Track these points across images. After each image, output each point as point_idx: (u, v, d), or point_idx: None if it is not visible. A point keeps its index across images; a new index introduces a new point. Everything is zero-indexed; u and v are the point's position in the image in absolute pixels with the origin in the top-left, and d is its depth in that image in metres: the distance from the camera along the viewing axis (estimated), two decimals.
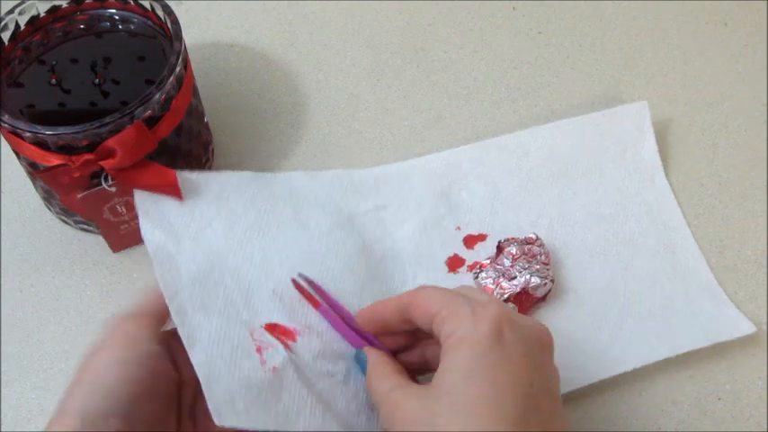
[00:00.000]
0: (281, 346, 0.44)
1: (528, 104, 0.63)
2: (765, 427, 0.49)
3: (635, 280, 0.53)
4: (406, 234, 0.55)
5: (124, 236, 0.54)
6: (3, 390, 0.50)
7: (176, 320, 0.42)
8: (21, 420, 0.49)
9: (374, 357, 0.42)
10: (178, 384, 0.42)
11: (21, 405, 0.50)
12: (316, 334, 0.46)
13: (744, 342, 0.51)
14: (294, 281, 0.46)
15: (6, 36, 0.52)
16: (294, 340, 0.45)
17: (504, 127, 0.61)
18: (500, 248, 0.53)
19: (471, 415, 0.36)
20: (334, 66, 0.66)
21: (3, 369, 0.51)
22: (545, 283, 0.51)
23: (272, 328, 0.46)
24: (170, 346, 0.42)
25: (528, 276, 0.51)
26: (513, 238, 0.53)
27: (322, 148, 0.61)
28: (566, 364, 0.49)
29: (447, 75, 0.65)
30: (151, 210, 0.48)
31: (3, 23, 0.52)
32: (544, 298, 0.52)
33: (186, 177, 0.50)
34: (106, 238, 0.54)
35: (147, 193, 0.49)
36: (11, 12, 0.52)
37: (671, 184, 0.58)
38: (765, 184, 0.59)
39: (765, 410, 0.49)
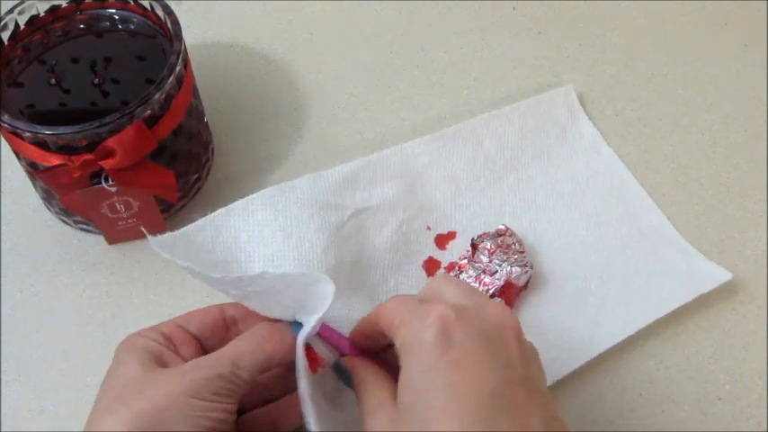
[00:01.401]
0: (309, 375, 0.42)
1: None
2: (765, 427, 0.49)
3: (607, 249, 0.54)
4: (384, 241, 0.54)
5: (120, 231, 0.54)
6: (3, 390, 0.50)
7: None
8: (21, 420, 0.49)
9: (360, 372, 0.40)
10: None
11: (21, 405, 0.50)
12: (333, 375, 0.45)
13: (744, 342, 0.51)
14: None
15: (6, 36, 0.52)
16: (315, 371, 0.43)
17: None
18: (474, 246, 0.53)
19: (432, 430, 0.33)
20: (334, 66, 0.66)
21: (3, 369, 0.51)
22: (526, 271, 0.51)
23: (308, 349, 0.43)
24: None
25: (509, 268, 0.51)
26: (484, 234, 0.53)
27: (322, 148, 0.61)
28: (558, 348, 0.49)
29: (447, 75, 0.65)
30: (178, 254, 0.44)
31: (2, 23, 0.52)
32: (526, 286, 0.52)
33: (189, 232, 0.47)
34: (102, 231, 0.54)
35: (166, 245, 0.44)
36: (11, 11, 0.52)
37: (671, 185, 0.58)
38: (765, 184, 0.59)
39: (765, 410, 0.49)
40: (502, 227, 0.54)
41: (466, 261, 0.53)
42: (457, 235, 0.55)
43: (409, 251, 0.54)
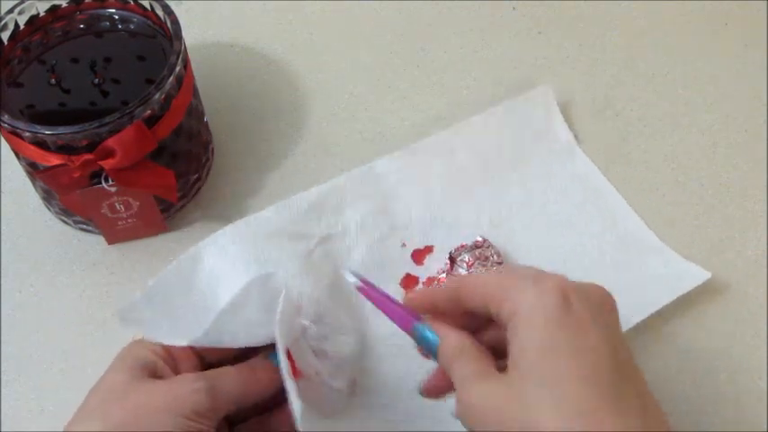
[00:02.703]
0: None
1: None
2: (765, 427, 0.49)
3: (585, 256, 0.54)
4: (356, 264, 0.53)
5: (120, 231, 0.54)
6: (3, 390, 0.50)
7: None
8: (21, 420, 0.49)
9: (454, 339, 0.38)
10: None
11: (21, 405, 0.50)
12: (315, 386, 0.44)
13: (744, 342, 0.51)
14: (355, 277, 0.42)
15: (6, 36, 0.52)
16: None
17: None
18: (452, 259, 0.53)
19: (564, 393, 0.32)
20: (334, 66, 0.66)
21: (3, 369, 0.51)
22: None
23: (290, 357, 0.43)
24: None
25: None
26: (462, 246, 0.53)
27: (322, 148, 0.61)
28: None
29: (447, 75, 0.65)
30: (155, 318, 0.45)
31: (2, 23, 0.52)
32: None
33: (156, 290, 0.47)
34: (102, 231, 0.54)
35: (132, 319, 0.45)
36: (10, 11, 0.52)
37: (671, 185, 0.58)
38: (765, 184, 0.59)
39: (765, 410, 0.49)
40: (479, 239, 0.53)
41: (444, 275, 0.52)
42: (434, 249, 0.55)
43: (384, 271, 0.53)
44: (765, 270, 0.55)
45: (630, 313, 0.50)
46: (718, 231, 0.57)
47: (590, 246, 0.55)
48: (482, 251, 0.52)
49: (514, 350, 0.35)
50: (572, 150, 0.59)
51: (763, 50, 0.66)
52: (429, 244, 0.55)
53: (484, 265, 0.51)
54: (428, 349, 0.39)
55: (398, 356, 0.50)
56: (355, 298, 0.51)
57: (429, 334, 0.38)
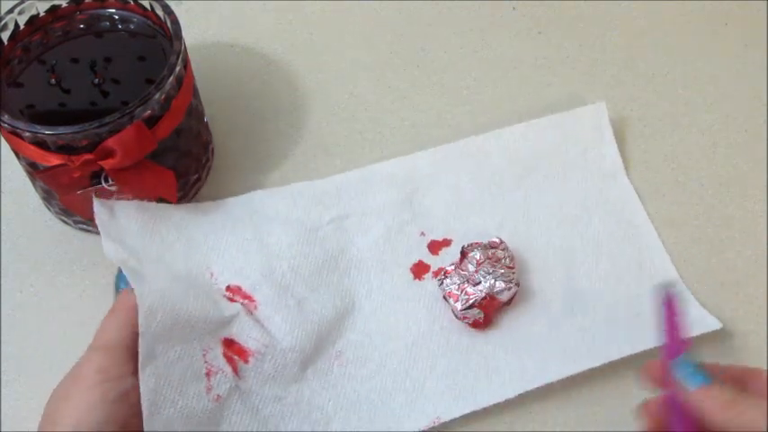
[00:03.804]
0: (230, 372, 0.45)
1: (528, 104, 0.63)
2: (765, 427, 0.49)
3: (601, 280, 0.53)
4: (370, 242, 0.54)
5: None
6: (3, 390, 0.50)
7: (141, 336, 0.42)
8: (21, 420, 0.49)
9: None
10: None
11: (21, 405, 0.50)
12: (270, 356, 0.47)
13: (744, 342, 0.51)
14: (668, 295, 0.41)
15: (6, 36, 0.52)
16: (246, 361, 0.46)
17: (504, 127, 0.61)
18: (464, 254, 0.52)
19: None
20: (334, 66, 0.66)
21: (3, 369, 0.51)
22: (510, 287, 0.51)
23: (229, 345, 0.47)
24: None
25: (492, 281, 0.50)
26: (476, 243, 0.53)
27: (322, 148, 0.61)
28: (528, 361, 0.50)
29: (447, 75, 0.65)
30: (112, 229, 0.49)
31: (2, 23, 0.52)
32: (510, 302, 0.52)
33: (145, 206, 0.51)
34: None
35: (107, 207, 0.49)
36: (10, 11, 0.52)
37: (671, 185, 0.58)
38: (765, 184, 0.59)
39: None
40: (496, 239, 0.53)
41: (453, 267, 0.52)
42: (452, 243, 0.55)
43: (397, 253, 0.54)
44: (765, 270, 0.55)
45: (627, 343, 0.49)
46: (718, 231, 0.57)
47: (609, 270, 0.54)
48: (496, 252, 0.52)
49: None
50: (615, 174, 0.58)
51: (763, 50, 0.66)
52: (448, 237, 0.55)
53: (493, 266, 0.51)
54: (685, 383, 0.38)
55: (384, 334, 0.51)
56: (348, 279, 0.53)
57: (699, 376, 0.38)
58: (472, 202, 0.57)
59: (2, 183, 0.59)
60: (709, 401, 0.38)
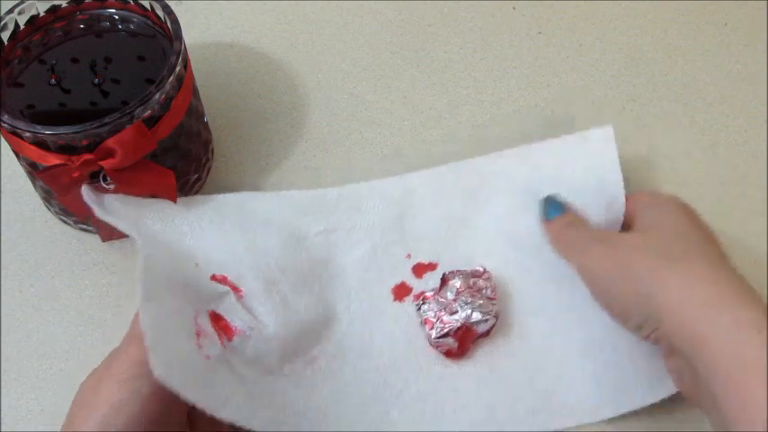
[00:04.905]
0: (216, 340, 0.45)
1: (528, 104, 0.63)
2: (765, 427, 0.49)
3: (590, 323, 0.49)
4: (354, 259, 0.53)
5: (114, 229, 0.54)
6: (3, 390, 0.50)
7: (141, 275, 0.42)
8: (21, 420, 0.49)
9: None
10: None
11: (21, 405, 0.50)
12: (254, 340, 0.47)
13: None
14: None
15: (6, 36, 0.52)
16: (230, 339, 0.46)
17: (504, 127, 0.61)
18: (444, 281, 0.51)
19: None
20: (334, 66, 0.66)
21: (3, 369, 0.51)
22: (487, 320, 0.49)
23: (216, 319, 0.46)
24: None
25: (469, 311, 0.49)
26: (458, 271, 0.51)
27: (322, 148, 0.61)
28: (500, 403, 0.48)
29: (447, 75, 0.65)
30: (103, 208, 0.49)
31: (2, 23, 0.52)
32: (487, 334, 0.50)
33: (129, 200, 0.50)
34: (96, 227, 0.54)
35: (96, 195, 0.49)
36: (10, 11, 0.52)
37: (671, 185, 0.58)
38: (765, 184, 0.59)
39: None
40: (479, 268, 0.51)
41: (432, 293, 0.51)
42: (438, 267, 0.53)
43: (381, 273, 0.53)
44: (765, 270, 0.55)
45: (623, 399, 0.48)
46: (718, 231, 0.57)
47: (601, 314, 0.47)
48: (477, 281, 0.50)
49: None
50: (615, 197, 0.52)
51: (763, 50, 0.66)
52: (434, 261, 0.54)
53: (473, 296, 0.50)
54: (545, 216, 0.50)
55: (358, 351, 0.50)
56: (329, 291, 0.52)
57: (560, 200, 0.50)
58: (463, 227, 0.54)
59: (2, 183, 0.59)
60: (550, 227, 0.49)
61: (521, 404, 0.48)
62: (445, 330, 0.49)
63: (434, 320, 0.50)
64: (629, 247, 0.45)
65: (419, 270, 0.54)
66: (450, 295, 0.50)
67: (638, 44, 0.67)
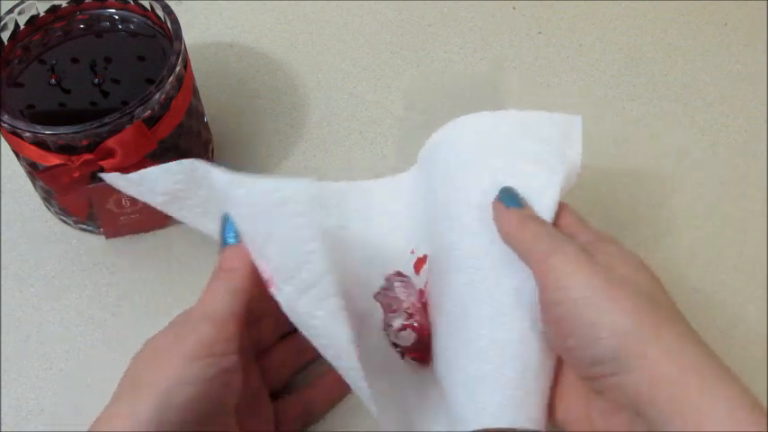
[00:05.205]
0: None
1: (528, 104, 0.63)
2: (765, 427, 0.49)
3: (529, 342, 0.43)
4: (364, 257, 0.53)
5: (121, 226, 0.54)
6: (3, 390, 0.50)
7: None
8: (21, 420, 0.49)
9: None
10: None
11: (21, 405, 0.50)
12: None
13: (744, 342, 0.51)
14: None
15: (6, 36, 0.52)
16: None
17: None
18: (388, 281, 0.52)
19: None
20: (334, 66, 0.66)
21: (3, 369, 0.51)
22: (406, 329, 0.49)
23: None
24: (244, 352, 0.40)
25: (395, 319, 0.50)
26: (395, 274, 0.52)
27: (322, 148, 0.61)
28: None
29: (447, 75, 0.65)
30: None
31: (2, 23, 0.52)
32: (419, 342, 0.49)
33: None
34: (103, 225, 0.54)
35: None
36: (10, 11, 0.52)
37: (671, 185, 0.58)
38: (765, 184, 0.59)
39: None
40: (400, 270, 0.52)
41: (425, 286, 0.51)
42: (427, 260, 0.52)
43: (385, 268, 0.53)
44: (765, 270, 0.55)
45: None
46: (718, 231, 0.57)
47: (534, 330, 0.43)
48: (402, 282, 0.51)
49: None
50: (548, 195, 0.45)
51: (763, 50, 0.66)
52: (428, 253, 0.52)
53: (399, 301, 0.50)
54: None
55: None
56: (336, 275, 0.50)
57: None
58: (452, 215, 0.48)
59: (2, 183, 0.59)
60: (508, 216, 0.43)
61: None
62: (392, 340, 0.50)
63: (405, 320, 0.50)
64: (614, 274, 0.38)
65: (418, 265, 0.53)
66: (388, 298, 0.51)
67: (638, 44, 0.67)
